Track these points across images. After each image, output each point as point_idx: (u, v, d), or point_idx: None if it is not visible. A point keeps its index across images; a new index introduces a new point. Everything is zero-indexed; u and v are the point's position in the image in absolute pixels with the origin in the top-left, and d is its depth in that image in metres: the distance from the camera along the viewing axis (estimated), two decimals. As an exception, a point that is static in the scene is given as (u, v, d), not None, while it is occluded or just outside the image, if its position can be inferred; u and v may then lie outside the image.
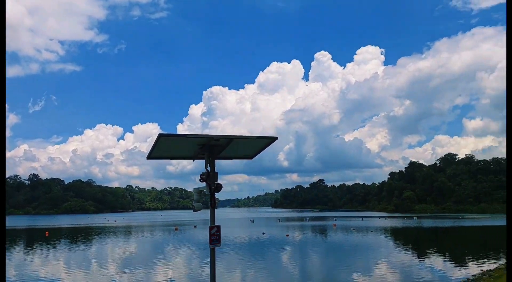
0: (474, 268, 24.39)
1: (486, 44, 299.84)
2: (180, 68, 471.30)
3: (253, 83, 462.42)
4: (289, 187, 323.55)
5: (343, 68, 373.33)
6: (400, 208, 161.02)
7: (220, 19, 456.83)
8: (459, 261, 28.28)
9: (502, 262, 25.79)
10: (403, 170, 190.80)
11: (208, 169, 4.80)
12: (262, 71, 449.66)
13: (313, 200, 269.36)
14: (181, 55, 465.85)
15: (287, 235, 50.14)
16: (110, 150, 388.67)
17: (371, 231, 56.56)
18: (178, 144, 4.72)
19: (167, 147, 4.76)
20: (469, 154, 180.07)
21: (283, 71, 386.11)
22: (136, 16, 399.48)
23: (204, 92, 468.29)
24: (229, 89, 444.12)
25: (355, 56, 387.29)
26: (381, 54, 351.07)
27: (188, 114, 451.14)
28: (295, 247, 38.92)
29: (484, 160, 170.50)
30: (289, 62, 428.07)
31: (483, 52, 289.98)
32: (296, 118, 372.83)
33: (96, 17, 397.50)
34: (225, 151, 4.94)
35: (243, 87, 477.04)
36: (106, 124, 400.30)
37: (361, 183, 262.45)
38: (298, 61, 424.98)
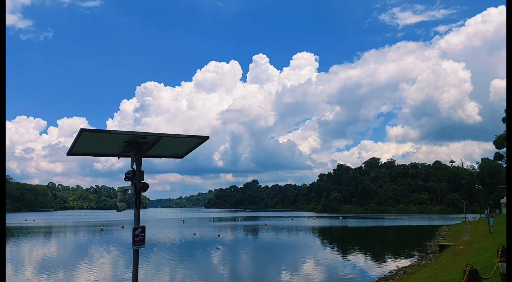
0: (391, 265, 26.23)
1: (409, 58, 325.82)
2: (112, 61, 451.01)
3: (190, 81, 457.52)
4: (224, 187, 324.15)
5: (280, 72, 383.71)
6: (327, 208, 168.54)
7: (157, 13, 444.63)
8: (378, 258, 30.24)
9: (415, 259, 28.07)
10: (332, 172, 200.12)
11: (134, 167, 4.60)
12: (200, 70, 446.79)
13: (246, 200, 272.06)
14: (114, 48, 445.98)
15: (219, 235, 50.06)
16: (31, 144, 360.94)
17: (300, 231, 58.47)
18: (102, 140, 4.44)
19: (90, 142, 4.46)
20: (391, 159, 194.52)
21: (221, 71, 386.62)
22: (65, 3, 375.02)
23: (138, 87, 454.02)
24: (165, 85, 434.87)
25: (291, 61, 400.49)
26: (316, 61, 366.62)
27: (119, 109, 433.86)
28: (226, 247, 38.95)
29: (404, 164, 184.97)
30: (227, 62, 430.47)
31: (406, 65, 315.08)
32: (232, 118, 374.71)
33: (20, 1, 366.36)
34: (153, 149, 4.76)
35: (180, 85, 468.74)
36: (28, 117, 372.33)
37: (293, 183, 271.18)
38: (236, 62, 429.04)
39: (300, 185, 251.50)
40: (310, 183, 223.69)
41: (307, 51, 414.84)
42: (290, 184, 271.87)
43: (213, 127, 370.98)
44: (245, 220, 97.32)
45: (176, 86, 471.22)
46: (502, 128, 56.41)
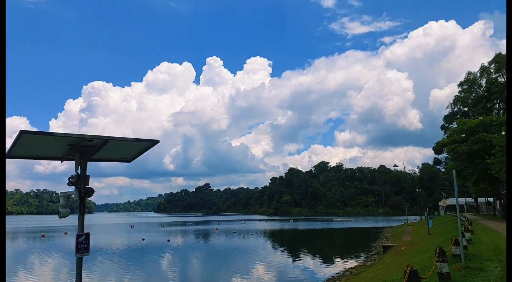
0: (338, 266, 27.05)
1: (356, 66, 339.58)
2: (58, 59, 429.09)
3: (141, 82, 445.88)
4: (174, 191, 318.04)
5: (234, 76, 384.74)
6: (279, 211, 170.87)
7: (106, 11, 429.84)
8: (327, 260, 31.09)
9: (361, 260, 29.15)
10: (283, 175, 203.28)
11: (79, 171, 4.40)
12: (151, 70, 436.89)
13: (198, 204, 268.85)
14: (60, 44, 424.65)
15: (169, 240, 49.00)
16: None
17: (252, 234, 58.71)
18: (43, 143, 4.21)
19: (30, 145, 4.21)
20: (339, 163, 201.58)
21: (174, 72, 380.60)
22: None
23: (85, 86, 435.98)
24: (114, 85, 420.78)
25: (245, 65, 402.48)
26: (269, 66, 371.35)
27: (64, 109, 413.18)
28: (176, 252, 38.22)
29: (351, 168, 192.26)
30: (180, 64, 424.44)
31: (354, 73, 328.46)
32: (184, 121, 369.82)
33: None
34: (100, 153, 4.58)
35: (130, 85, 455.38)
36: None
37: (245, 187, 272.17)
38: (190, 63, 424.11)
39: (252, 188, 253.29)
40: (262, 186, 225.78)
41: (261, 56, 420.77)
42: (243, 188, 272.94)
43: (164, 129, 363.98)
44: (196, 224, 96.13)
45: (125, 87, 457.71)
46: (440, 135, 60.21)
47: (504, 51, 47.37)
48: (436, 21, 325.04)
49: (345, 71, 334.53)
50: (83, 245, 4.32)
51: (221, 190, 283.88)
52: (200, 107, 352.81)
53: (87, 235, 4.37)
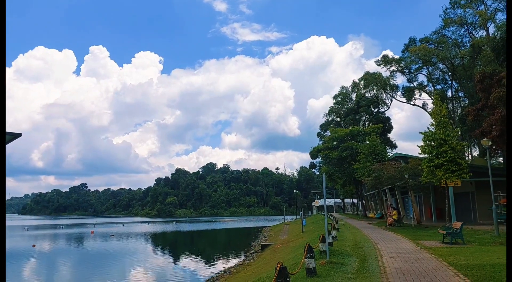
0: (219, 266, 27.54)
1: (245, 72, 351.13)
2: None
3: (9, 67, 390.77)
4: (44, 191, 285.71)
5: (121, 68, 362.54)
6: (162, 213, 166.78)
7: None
8: (208, 260, 31.40)
9: (241, 259, 30.15)
10: (169, 176, 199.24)
11: None
12: (23, 54, 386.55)
13: (71, 205, 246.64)
14: None
15: (34, 246, 43.92)
16: None
17: (131, 237, 56.09)
18: None
19: None
20: (226, 164, 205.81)
21: (50, 59, 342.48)
22: None
23: None
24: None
25: (133, 59, 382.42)
26: (159, 62, 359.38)
27: None
28: (42, 259, 34.43)
29: (237, 170, 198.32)
30: (60, 50, 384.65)
31: (242, 78, 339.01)
32: (59, 113, 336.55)
33: None
34: None
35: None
36: None
37: (127, 188, 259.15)
38: (71, 51, 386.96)
39: (135, 189, 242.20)
40: (146, 187, 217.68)
41: (151, 51, 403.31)
42: (124, 188, 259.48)
43: (33, 122, 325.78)
44: (68, 227, 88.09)
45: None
46: (316, 141, 65.79)
47: (371, 71, 54.23)
48: (319, 37, 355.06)
49: (234, 75, 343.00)
50: None
51: (100, 191, 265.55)
52: (79, 100, 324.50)
53: None
